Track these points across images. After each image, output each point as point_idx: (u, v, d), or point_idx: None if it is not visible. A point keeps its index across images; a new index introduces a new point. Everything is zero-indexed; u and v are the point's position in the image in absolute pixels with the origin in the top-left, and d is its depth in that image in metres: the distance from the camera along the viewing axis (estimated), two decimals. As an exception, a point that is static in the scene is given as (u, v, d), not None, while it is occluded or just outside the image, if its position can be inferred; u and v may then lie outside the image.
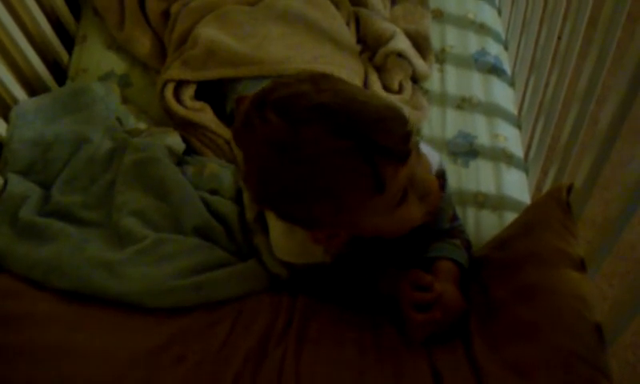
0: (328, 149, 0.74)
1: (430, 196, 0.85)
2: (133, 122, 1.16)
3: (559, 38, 1.09)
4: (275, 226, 0.95)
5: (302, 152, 0.74)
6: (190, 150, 1.14)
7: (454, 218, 1.02)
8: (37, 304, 0.92)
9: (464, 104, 1.25)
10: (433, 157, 0.94)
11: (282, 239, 0.94)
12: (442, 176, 0.97)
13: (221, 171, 1.07)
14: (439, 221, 0.98)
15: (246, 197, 1.03)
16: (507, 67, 1.33)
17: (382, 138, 0.74)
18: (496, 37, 1.37)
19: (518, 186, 1.16)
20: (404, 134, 0.77)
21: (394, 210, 0.81)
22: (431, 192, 0.85)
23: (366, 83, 1.22)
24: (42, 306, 0.92)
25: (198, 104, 1.17)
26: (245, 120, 0.79)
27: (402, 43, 1.25)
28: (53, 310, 0.91)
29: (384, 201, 0.79)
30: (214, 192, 1.05)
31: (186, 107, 1.16)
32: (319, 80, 0.79)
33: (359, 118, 0.75)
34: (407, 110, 1.17)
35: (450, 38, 1.35)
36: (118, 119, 1.14)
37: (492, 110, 1.25)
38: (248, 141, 0.81)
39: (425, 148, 0.92)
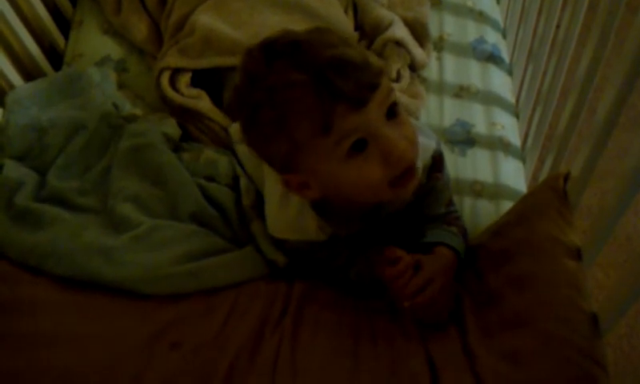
0: (286, 80, 0.76)
1: (397, 161, 0.79)
2: (129, 107, 1.15)
3: (558, 26, 1.09)
4: (270, 200, 0.94)
5: (264, 82, 0.77)
6: (186, 137, 1.14)
7: (450, 203, 1.01)
8: (33, 290, 0.92)
9: (462, 92, 1.25)
10: (430, 138, 0.94)
11: (277, 214, 0.94)
12: (439, 157, 0.96)
13: (217, 158, 1.07)
14: (436, 204, 0.98)
15: (242, 183, 1.03)
16: (505, 55, 1.33)
17: (336, 78, 0.74)
18: (494, 25, 1.36)
19: (514, 175, 1.16)
20: (366, 83, 0.76)
21: (347, 160, 0.79)
22: (399, 158, 0.79)
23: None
24: (39, 292, 0.92)
25: (195, 91, 1.16)
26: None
27: (401, 31, 1.24)
28: (49, 296, 0.91)
29: (332, 143, 0.77)
30: (210, 179, 1.05)
31: (182, 95, 1.15)
32: (323, 30, 0.81)
33: (320, 56, 0.75)
34: (405, 99, 1.17)
35: (448, 26, 1.34)
36: (114, 105, 1.14)
37: (490, 99, 1.24)
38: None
39: (424, 130, 0.92)
